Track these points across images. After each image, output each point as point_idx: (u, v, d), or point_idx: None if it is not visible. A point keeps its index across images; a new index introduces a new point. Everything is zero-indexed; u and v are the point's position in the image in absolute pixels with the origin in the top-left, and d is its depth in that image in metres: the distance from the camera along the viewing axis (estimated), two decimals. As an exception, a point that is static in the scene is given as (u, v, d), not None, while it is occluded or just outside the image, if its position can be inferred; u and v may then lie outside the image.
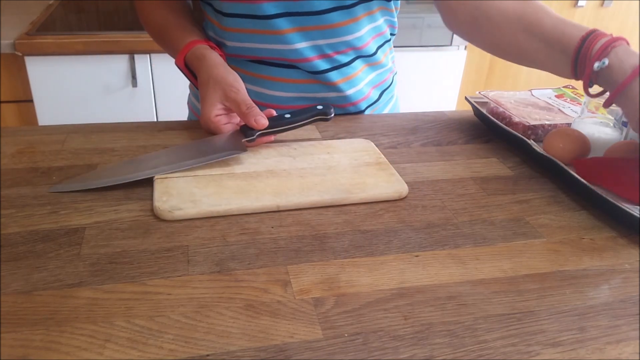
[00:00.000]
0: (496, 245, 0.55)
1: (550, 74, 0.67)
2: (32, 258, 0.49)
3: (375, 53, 0.84)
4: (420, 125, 0.82)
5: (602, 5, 2.11)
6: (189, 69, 0.77)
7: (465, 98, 0.86)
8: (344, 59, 0.81)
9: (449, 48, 1.97)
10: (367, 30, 0.81)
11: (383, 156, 0.69)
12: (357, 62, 0.82)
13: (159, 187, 0.59)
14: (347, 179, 0.63)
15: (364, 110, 0.87)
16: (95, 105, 1.63)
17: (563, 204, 0.63)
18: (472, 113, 0.87)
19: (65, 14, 1.84)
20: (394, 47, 0.93)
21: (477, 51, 2.06)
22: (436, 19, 1.87)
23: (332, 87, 0.82)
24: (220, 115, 0.70)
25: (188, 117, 0.96)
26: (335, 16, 0.76)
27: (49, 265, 0.48)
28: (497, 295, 0.48)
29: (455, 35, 1.95)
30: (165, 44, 0.83)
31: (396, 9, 0.86)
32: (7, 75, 1.54)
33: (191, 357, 0.40)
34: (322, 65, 0.80)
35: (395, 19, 0.87)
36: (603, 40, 0.60)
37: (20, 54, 1.51)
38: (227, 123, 0.70)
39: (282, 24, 0.76)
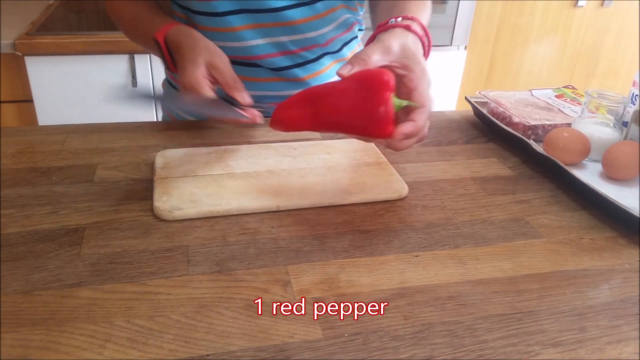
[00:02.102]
0: (496, 245, 0.55)
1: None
2: (32, 258, 0.49)
3: (340, 49, 0.85)
4: (420, 125, 0.82)
5: (602, 5, 2.10)
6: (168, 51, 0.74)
7: (465, 98, 0.86)
8: (310, 55, 0.81)
9: (449, 48, 1.97)
10: (332, 27, 0.81)
11: (383, 156, 0.69)
12: (325, 59, 0.83)
13: (159, 187, 0.59)
14: (347, 179, 0.63)
15: None
16: (95, 105, 1.63)
17: (563, 204, 0.63)
18: (472, 113, 0.87)
19: (65, 14, 1.83)
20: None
21: (477, 51, 2.06)
22: (436, 18, 1.87)
23: (299, 83, 0.82)
24: (205, 79, 0.68)
25: (162, 119, 0.96)
26: (295, 13, 0.76)
27: (49, 265, 0.48)
28: (497, 295, 0.48)
29: (455, 35, 1.95)
30: (139, 34, 0.79)
31: (360, 5, 0.85)
32: (7, 75, 1.54)
33: (191, 357, 0.40)
34: (284, 62, 0.80)
35: (360, 17, 0.87)
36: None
37: (20, 54, 1.51)
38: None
39: (237, 21, 0.76)
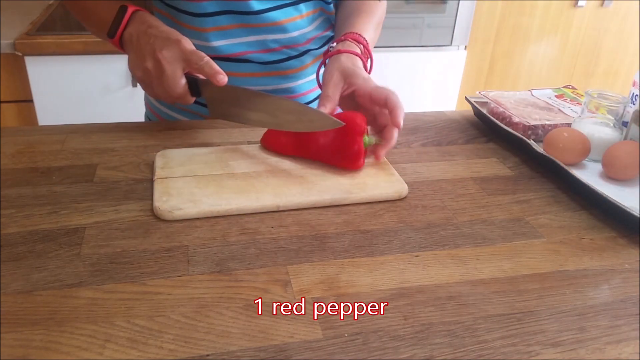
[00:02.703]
0: (496, 245, 0.55)
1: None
2: (32, 258, 0.49)
3: (320, 47, 0.87)
4: (420, 125, 0.82)
5: (602, 5, 2.10)
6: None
7: (465, 98, 0.86)
8: (293, 52, 0.83)
9: (449, 48, 1.97)
10: (313, 27, 0.84)
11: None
12: (306, 57, 0.85)
13: (159, 187, 0.59)
14: (347, 179, 0.63)
15: (313, 100, 0.90)
16: (95, 105, 1.63)
17: (563, 204, 0.63)
18: (472, 113, 0.87)
19: (65, 14, 1.83)
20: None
21: (477, 51, 2.06)
22: (436, 19, 1.87)
23: (285, 76, 0.84)
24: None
25: (145, 115, 0.96)
26: (279, 14, 0.78)
27: (49, 265, 0.48)
28: (497, 295, 0.48)
29: (455, 35, 1.95)
30: (100, 15, 0.75)
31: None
32: (7, 75, 1.54)
33: (191, 357, 0.40)
34: (268, 58, 0.82)
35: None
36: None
37: (20, 54, 1.51)
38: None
39: (223, 21, 0.77)
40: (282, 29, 0.80)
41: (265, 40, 0.80)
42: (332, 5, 0.86)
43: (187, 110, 0.86)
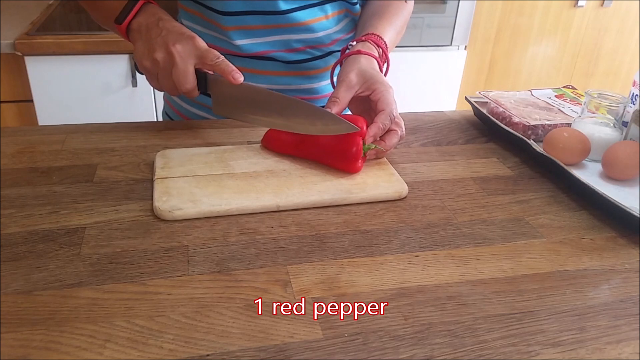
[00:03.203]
0: (496, 245, 0.55)
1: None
2: (32, 258, 0.49)
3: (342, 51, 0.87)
4: (420, 125, 0.82)
5: (602, 5, 2.10)
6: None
7: (465, 98, 0.86)
8: (317, 52, 0.83)
9: (449, 48, 1.97)
10: (338, 28, 0.84)
11: (383, 156, 0.69)
12: (330, 58, 0.85)
13: (159, 187, 0.59)
14: (347, 179, 0.63)
15: None
16: (95, 105, 1.63)
17: (563, 204, 0.63)
18: (472, 113, 0.87)
19: (65, 14, 1.84)
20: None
21: (477, 51, 2.06)
22: (436, 19, 1.87)
23: (309, 77, 0.84)
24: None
25: (163, 110, 0.96)
26: (305, 14, 0.79)
27: (49, 265, 0.48)
28: (497, 295, 0.48)
29: (455, 35, 1.95)
30: (108, 1, 0.73)
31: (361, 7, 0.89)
32: (7, 75, 1.54)
33: (191, 357, 0.40)
34: (292, 57, 0.82)
35: None
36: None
37: (20, 54, 1.51)
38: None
39: (251, 20, 0.78)
40: (307, 29, 0.80)
41: (290, 40, 0.80)
42: (358, 6, 0.86)
43: (209, 107, 0.86)
